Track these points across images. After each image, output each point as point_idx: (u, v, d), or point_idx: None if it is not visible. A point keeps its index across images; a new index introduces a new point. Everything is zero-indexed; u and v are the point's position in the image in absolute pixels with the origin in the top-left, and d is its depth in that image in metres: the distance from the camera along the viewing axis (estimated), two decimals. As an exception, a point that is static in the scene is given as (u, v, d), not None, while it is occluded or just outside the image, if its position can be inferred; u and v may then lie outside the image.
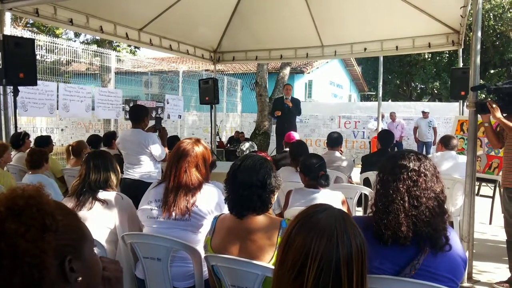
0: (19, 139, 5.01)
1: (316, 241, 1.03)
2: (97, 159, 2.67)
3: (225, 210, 2.29)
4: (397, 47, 6.90)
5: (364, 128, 14.11)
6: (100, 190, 2.58)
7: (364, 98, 29.17)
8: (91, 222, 2.42)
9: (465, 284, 3.52)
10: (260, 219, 1.83)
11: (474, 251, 3.69)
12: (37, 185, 0.90)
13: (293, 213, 2.77)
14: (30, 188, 0.88)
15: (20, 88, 4.75)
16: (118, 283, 1.08)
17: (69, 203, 2.53)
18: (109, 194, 2.60)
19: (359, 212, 4.22)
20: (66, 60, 10.19)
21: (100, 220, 2.51)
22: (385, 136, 5.08)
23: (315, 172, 2.97)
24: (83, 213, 2.47)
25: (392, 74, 24.60)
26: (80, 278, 0.87)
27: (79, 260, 0.88)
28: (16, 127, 5.14)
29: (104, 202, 2.53)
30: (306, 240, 1.04)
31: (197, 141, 2.40)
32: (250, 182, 1.82)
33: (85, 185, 2.57)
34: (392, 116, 12.52)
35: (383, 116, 12.05)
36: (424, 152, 9.43)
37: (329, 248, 1.02)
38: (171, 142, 4.87)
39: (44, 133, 9.62)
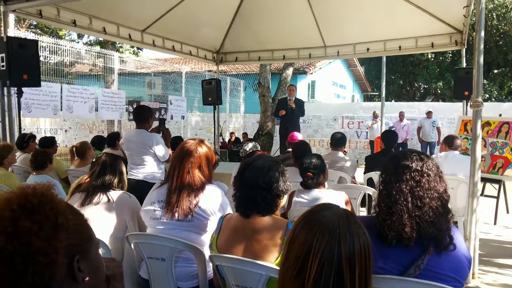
0: (23, 141, 5.04)
1: (318, 238, 1.04)
2: (114, 160, 2.76)
3: (228, 211, 2.29)
4: (400, 47, 6.89)
5: (367, 128, 14.11)
6: (110, 190, 2.63)
7: (367, 98, 29.16)
8: (98, 220, 2.45)
9: (470, 284, 3.51)
10: (266, 220, 1.83)
11: (478, 251, 3.68)
12: (47, 183, 0.90)
13: (297, 213, 2.78)
14: (41, 187, 0.87)
15: (24, 89, 4.77)
16: (121, 278, 1.09)
17: (78, 199, 2.57)
18: (117, 193, 2.64)
19: (362, 212, 4.22)
20: (70, 61, 10.24)
21: (107, 218, 2.54)
22: (388, 136, 5.06)
23: (303, 173, 2.99)
24: (90, 209, 2.49)
25: (395, 74, 24.59)
26: (87, 278, 0.87)
27: (86, 260, 0.88)
28: (20, 128, 5.16)
29: (112, 200, 2.56)
30: (308, 236, 1.05)
31: (201, 141, 2.40)
32: (256, 183, 1.82)
33: (98, 182, 2.61)
34: (401, 115, 12.49)
35: (377, 116, 12.12)
36: (428, 152, 9.42)
37: (331, 245, 1.02)
38: (174, 142, 4.89)
39: (48, 134, 9.65)
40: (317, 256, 1.01)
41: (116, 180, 2.70)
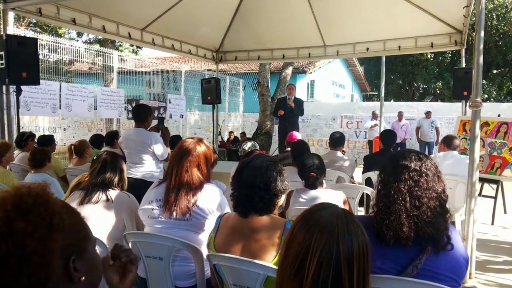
0: (22, 140, 5.03)
1: (316, 237, 1.04)
2: (114, 158, 2.75)
3: (227, 210, 2.29)
4: (399, 47, 6.89)
5: (366, 128, 14.12)
6: (109, 189, 2.63)
7: (366, 98, 29.15)
8: (96, 219, 2.45)
9: (467, 283, 3.52)
10: (264, 219, 1.83)
11: (476, 251, 3.68)
12: (43, 183, 0.90)
13: (295, 213, 2.78)
14: (36, 186, 0.86)
15: (22, 87, 4.75)
16: (136, 262, 1.19)
17: (78, 197, 2.56)
18: (116, 192, 2.63)
19: (361, 212, 4.22)
20: (69, 60, 10.20)
21: (105, 217, 2.53)
22: (387, 136, 5.06)
23: (306, 173, 2.99)
24: (88, 208, 2.49)
25: (395, 74, 24.57)
26: (83, 278, 0.87)
27: (83, 260, 0.88)
28: (18, 126, 5.15)
29: (110, 199, 2.56)
30: (307, 236, 1.05)
31: (200, 140, 2.39)
32: (253, 183, 1.82)
33: (98, 180, 2.60)
34: (400, 115, 12.49)
35: (376, 116, 12.12)
36: (426, 152, 9.42)
37: (330, 244, 1.02)
38: (173, 141, 4.88)
39: (46, 133, 9.64)
40: (315, 255, 1.01)
41: (116, 179, 2.69)
